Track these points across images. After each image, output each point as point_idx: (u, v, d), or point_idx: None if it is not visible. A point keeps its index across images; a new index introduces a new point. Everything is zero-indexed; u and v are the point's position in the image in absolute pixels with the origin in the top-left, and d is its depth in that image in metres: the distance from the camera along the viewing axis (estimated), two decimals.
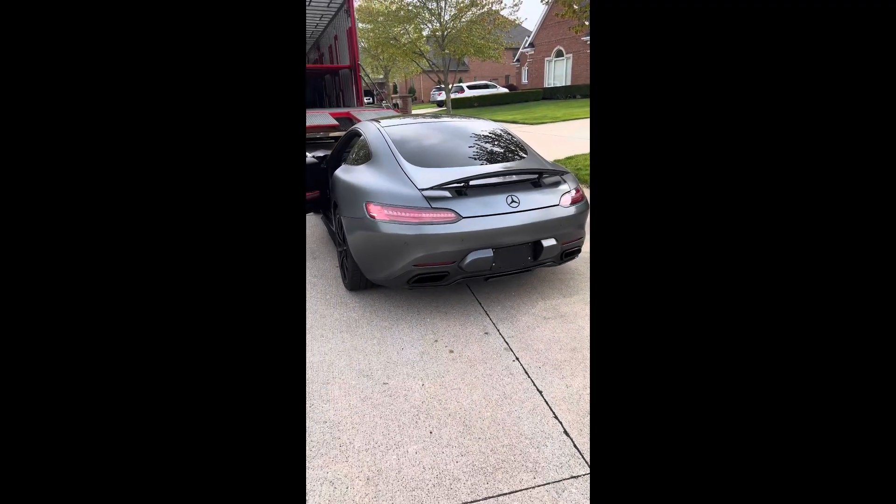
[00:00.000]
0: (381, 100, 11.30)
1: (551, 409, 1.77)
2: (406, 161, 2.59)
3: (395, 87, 27.67)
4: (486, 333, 2.37)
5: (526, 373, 2.01)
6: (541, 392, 1.88)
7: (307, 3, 10.34)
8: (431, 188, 2.30)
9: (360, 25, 13.86)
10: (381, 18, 13.30)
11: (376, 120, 3.26)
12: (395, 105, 16.34)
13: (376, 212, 2.32)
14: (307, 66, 14.69)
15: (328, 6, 10.28)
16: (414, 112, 18.00)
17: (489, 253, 2.31)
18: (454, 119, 3.41)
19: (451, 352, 2.21)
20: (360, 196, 2.49)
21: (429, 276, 2.38)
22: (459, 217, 2.26)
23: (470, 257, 2.30)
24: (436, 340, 2.32)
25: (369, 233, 2.36)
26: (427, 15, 12.69)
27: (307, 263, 3.40)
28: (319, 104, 14.07)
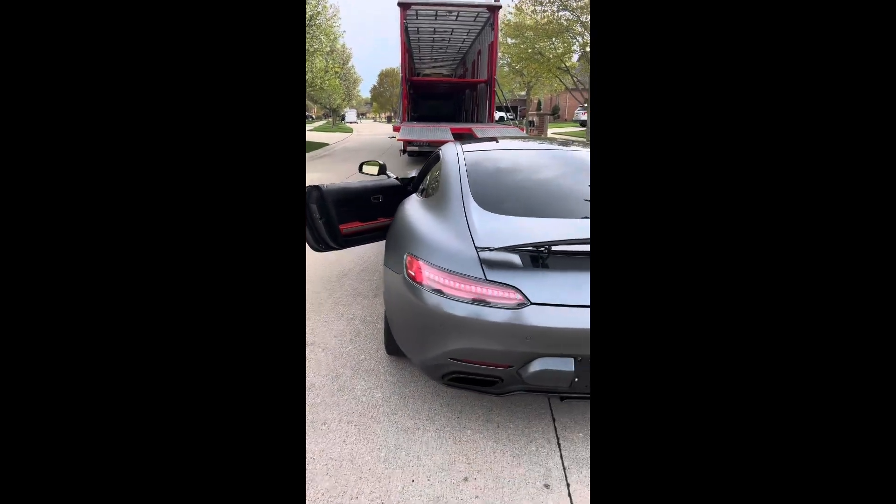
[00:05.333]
0: (523, 116, 10.75)
1: None
2: (474, 201, 1.86)
3: (539, 104, 26.99)
4: (547, 487, 1.50)
5: None
6: None
7: (455, 18, 10.35)
8: (493, 249, 1.53)
9: (507, 41, 13.52)
10: (529, 33, 12.74)
11: (462, 140, 2.59)
12: (531, 123, 15.57)
13: (416, 269, 1.63)
14: (443, 79, 14.97)
15: (475, 20, 10.09)
16: (550, 132, 17.03)
17: (568, 365, 1.45)
18: (571, 146, 2.56)
19: None
20: (402, 242, 1.83)
21: (471, 378, 1.61)
22: (526, 301, 1.44)
23: (536, 365, 1.47)
24: (465, 478, 1.53)
25: (403, 295, 1.69)
26: (579, 28, 11.72)
27: (353, 304, 2.88)
28: (457, 119, 14.15)
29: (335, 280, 3.29)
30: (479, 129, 7.41)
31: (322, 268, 3.53)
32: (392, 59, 67.60)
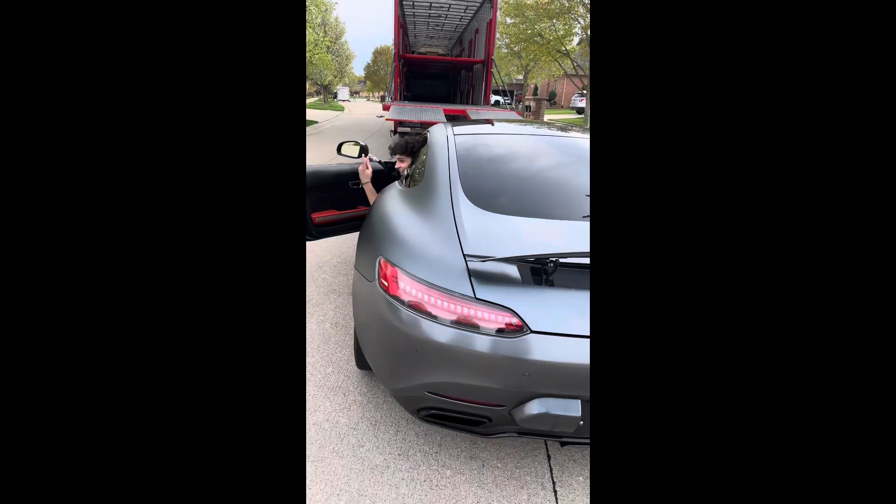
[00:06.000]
0: (519, 101, 10.36)
1: None
2: (464, 195, 1.54)
3: (535, 89, 26.42)
4: None
5: None
6: None
7: None
8: (485, 257, 1.22)
9: (506, 20, 12.98)
10: (529, 13, 12.22)
11: (454, 123, 2.25)
12: (527, 108, 15.11)
13: (390, 278, 1.32)
14: (439, 57, 14.37)
15: None
16: (546, 118, 16.63)
17: (574, 408, 1.16)
18: (576, 131, 2.24)
19: None
20: (376, 242, 1.51)
21: (453, 417, 1.31)
22: (525, 328, 1.14)
23: (534, 407, 1.17)
24: None
25: (374, 307, 1.38)
26: (581, 10, 11.23)
27: (325, 302, 2.56)
28: (451, 100, 13.66)
29: (308, 274, 2.96)
30: (473, 112, 7.02)
31: None
32: (388, 37, 65.98)
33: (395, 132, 9.66)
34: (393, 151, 2.48)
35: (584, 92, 13.10)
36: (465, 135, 2.00)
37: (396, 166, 2.49)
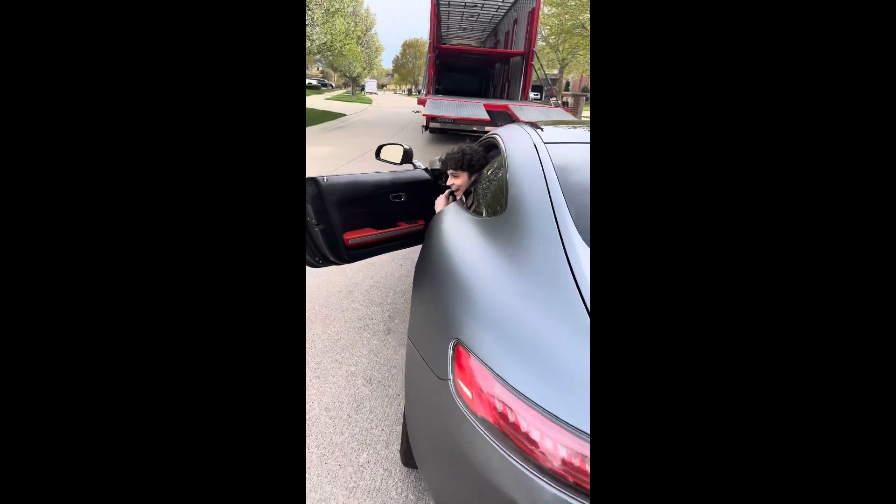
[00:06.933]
0: (551, 96, 9.73)
1: None
2: (578, 234, 1.00)
3: (567, 84, 25.48)
4: None
5: None
6: None
7: None
8: None
9: (545, 10, 12.26)
10: (572, 2, 11.47)
11: (535, 125, 1.69)
12: (564, 104, 14.33)
13: (469, 378, 0.80)
14: (476, 49, 13.72)
15: None
16: (584, 115, 15.84)
17: None
18: None
19: None
20: (444, 309, 0.99)
21: None
22: None
23: None
24: None
25: (443, 421, 0.87)
26: None
27: (355, 343, 2.07)
28: (483, 95, 13.04)
29: (335, 301, 2.48)
30: (516, 108, 6.42)
31: (318, 281, 2.72)
32: (416, 30, 65.56)
33: (426, 128, 9.14)
34: (445, 165, 1.95)
35: None
36: (559, 143, 1.45)
37: (448, 183, 1.97)
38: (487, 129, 8.53)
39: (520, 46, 9.14)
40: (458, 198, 1.79)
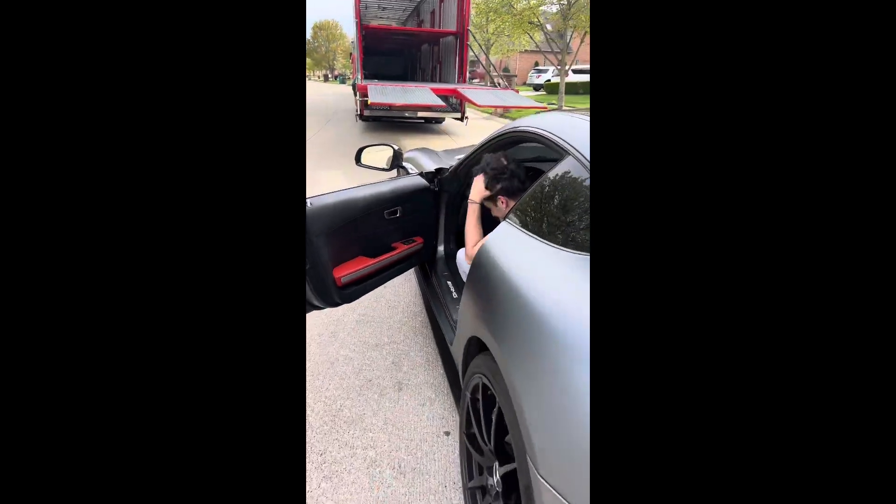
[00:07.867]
0: (474, 78, 9.43)
1: None
2: None
3: (506, 68, 25.52)
4: None
5: None
6: None
7: None
8: None
9: None
10: None
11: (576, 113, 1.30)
12: (496, 86, 14.16)
13: None
14: (407, 28, 12.99)
15: None
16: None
17: None
18: None
19: None
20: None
21: None
22: None
23: None
24: None
25: None
26: None
27: (371, 412, 1.59)
28: (410, 79, 12.41)
29: (317, 351, 1.94)
30: (468, 92, 5.99)
31: None
32: (327, 11, 62.13)
33: (360, 115, 8.42)
34: (491, 179, 1.50)
35: (541, 68, 12.23)
36: None
37: (481, 196, 1.52)
38: (421, 114, 8.03)
39: (451, 25, 8.68)
40: (502, 219, 1.36)
